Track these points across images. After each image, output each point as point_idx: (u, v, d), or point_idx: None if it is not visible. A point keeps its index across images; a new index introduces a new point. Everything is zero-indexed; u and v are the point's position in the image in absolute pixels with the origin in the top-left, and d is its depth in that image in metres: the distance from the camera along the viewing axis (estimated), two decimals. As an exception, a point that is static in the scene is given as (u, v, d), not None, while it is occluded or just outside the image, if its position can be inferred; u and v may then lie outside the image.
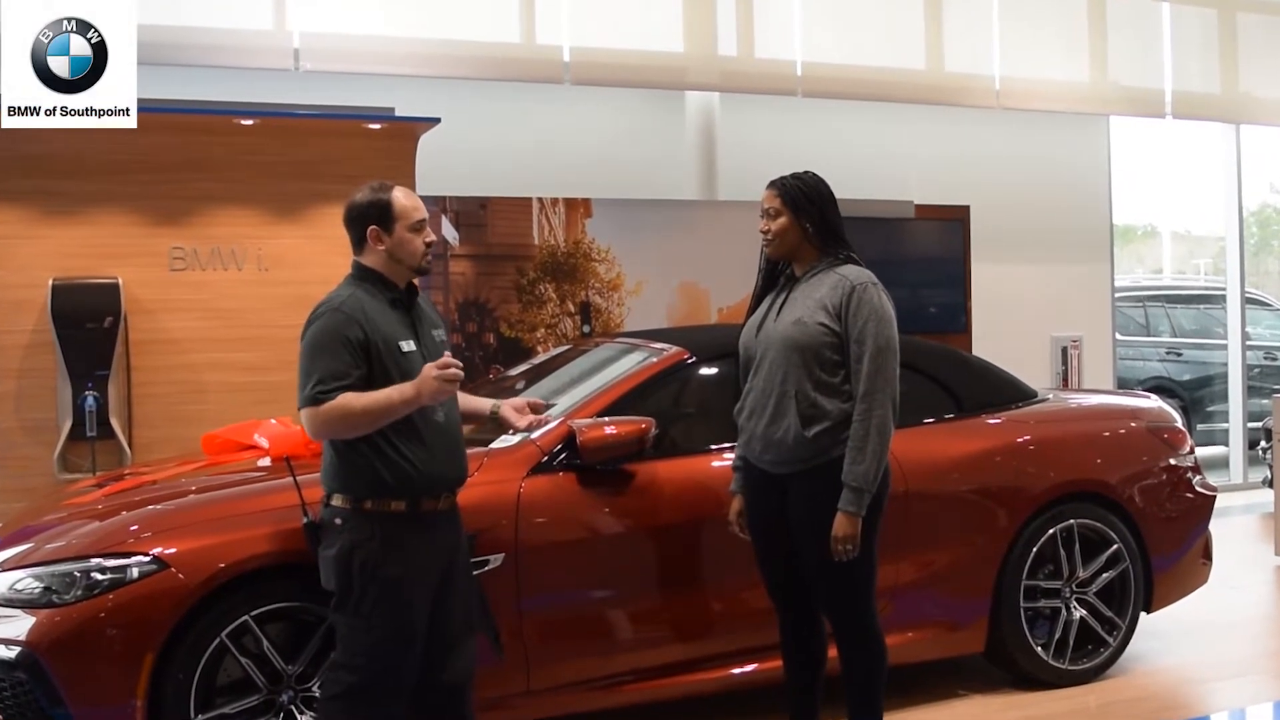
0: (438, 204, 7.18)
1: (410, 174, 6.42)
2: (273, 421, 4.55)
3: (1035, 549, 4.55)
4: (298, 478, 3.44)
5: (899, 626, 4.26)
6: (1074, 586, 4.64)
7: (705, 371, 4.47)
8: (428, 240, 3.34)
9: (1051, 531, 4.58)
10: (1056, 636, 4.60)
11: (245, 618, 3.49)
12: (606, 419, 3.99)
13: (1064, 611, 4.62)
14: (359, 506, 3.22)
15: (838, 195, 3.66)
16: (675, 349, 4.41)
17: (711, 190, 8.33)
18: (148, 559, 3.43)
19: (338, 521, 3.24)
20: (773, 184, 3.63)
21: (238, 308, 6.14)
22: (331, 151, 6.29)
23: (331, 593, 3.27)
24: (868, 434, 3.41)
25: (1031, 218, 9.66)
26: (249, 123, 6.21)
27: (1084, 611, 4.66)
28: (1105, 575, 4.69)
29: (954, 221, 8.81)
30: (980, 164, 9.50)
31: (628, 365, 4.43)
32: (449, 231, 7.24)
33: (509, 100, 8.10)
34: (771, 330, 3.58)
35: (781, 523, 3.61)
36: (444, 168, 7.16)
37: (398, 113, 6.72)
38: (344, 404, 3.14)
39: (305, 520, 3.34)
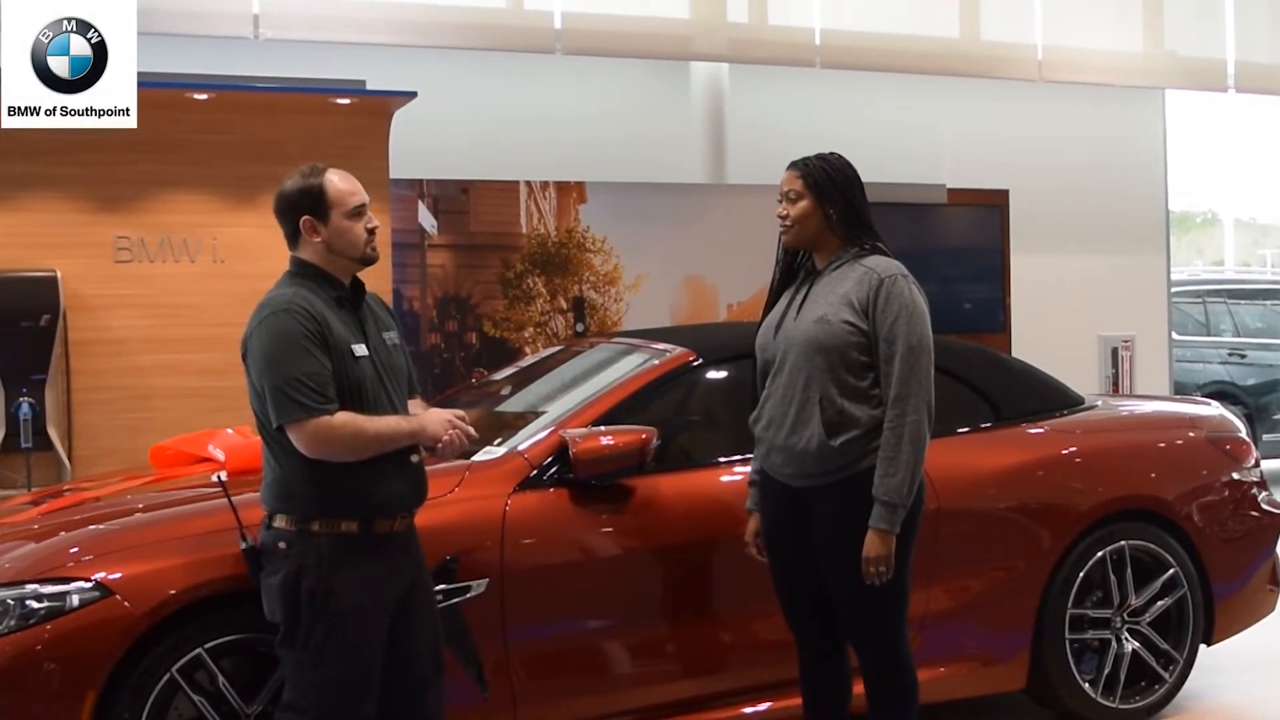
0: (414, 188, 7.19)
1: (383, 154, 6.43)
2: (229, 431, 4.56)
3: (1082, 574, 4.55)
4: (232, 497, 3.42)
5: (930, 660, 4.26)
6: (1125, 616, 4.65)
7: (713, 375, 4.47)
8: (370, 226, 3.33)
9: (1100, 554, 4.58)
10: (1106, 671, 4.60)
11: (199, 650, 3.48)
12: (602, 429, 3.99)
13: (1114, 643, 4.62)
14: (305, 528, 3.21)
15: (861, 179, 3.67)
16: (679, 350, 4.42)
17: (720, 173, 8.35)
18: (89, 585, 3.43)
19: (281, 545, 3.23)
20: (794, 165, 3.64)
21: (190, 304, 6.14)
22: (295, 129, 6.29)
23: (277, 625, 3.26)
24: (900, 442, 3.41)
25: (1078, 204, 9.67)
26: (203, 97, 6.22)
27: (1136, 644, 4.66)
28: (1160, 603, 4.69)
29: (991, 208, 8.82)
30: (1020, 144, 9.50)
31: (626, 368, 4.43)
32: (426, 219, 7.25)
33: (493, 72, 8.11)
34: (792, 330, 3.58)
35: (804, 543, 3.61)
36: (421, 148, 7.17)
37: (369, 86, 6.73)
38: (355, 423, 3.16)
39: (244, 545, 3.33)
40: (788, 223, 3.62)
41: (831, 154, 3.66)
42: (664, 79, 8.57)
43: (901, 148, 8.83)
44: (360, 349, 3.27)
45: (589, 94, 8.40)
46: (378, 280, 6.43)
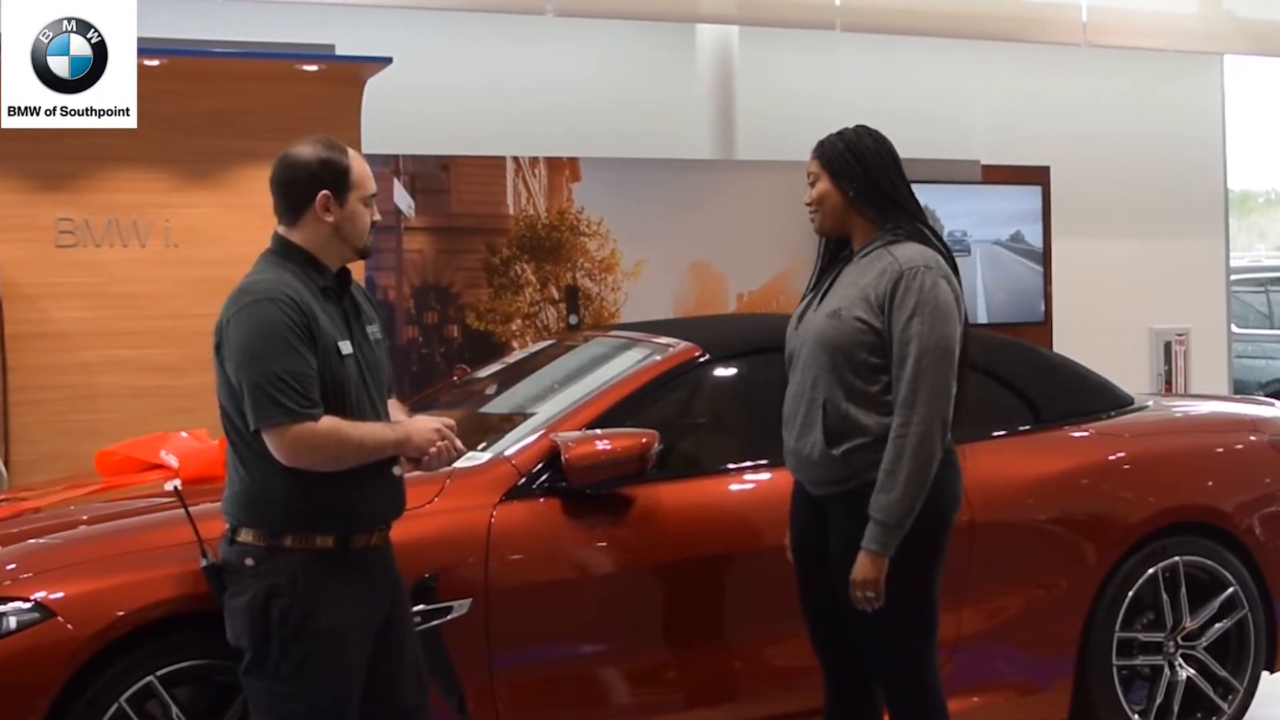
0: (388, 164, 7.19)
1: (355, 127, 6.43)
2: (183, 435, 4.55)
3: (1131, 593, 4.55)
4: (190, 508, 3.42)
5: (962, 688, 4.26)
6: (1179, 639, 4.65)
7: (722, 373, 4.47)
8: (375, 218, 3.37)
9: (1151, 571, 4.58)
10: (1158, 701, 4.61)
11: (150, 678, 3.48)
12: (598, 432, 3.99)
13: (1167, 670, 4.62)
14: (276, 543, 3.20)
15: (892, 152, 3.66)
16: (684, 345, 4.42)
17: (729, 148, 8.35)
18: (29, 605, 3.43)
19: (248, 562, 3.21)
20: (815, 146, 3.67)
21: (141, 293, 6.14)
22: (257, 99, 6.29)
23: (241, 651, 3.25)
24: (901, 456, 3.39)
25: (1126, 182, 9.67)
26: (154, 63, 6.21)
27: (1192, 670, 4.66)
28: (1218, 626, 4.70)
29: (1031, 186, 8.82)
30: (1063, 115, 9.50)
31: (625, 365, 4.43)
32: (402, 199, 7.25)
33: (477, 36, 8.11)
34: (809, 322, 3.60)
35: (824, 554, 3.62)
36: (397, 120, 7.17)
37: (339, 51, 6.72)
38: (340, 430, 3.15)
39: (205, 562, 3.31)
40: (811, 208, 3.65)
41: (853, 127, 3.65)
42: (667, 43, 8.57)
43: (931, 120, 8.83)
44: (346, 346, 3.26)
45: (583, 60, 8.40)
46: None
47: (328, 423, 3.15)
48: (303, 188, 3.26)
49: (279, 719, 3.23)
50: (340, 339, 3.26)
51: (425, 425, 3.32)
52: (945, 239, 3.69)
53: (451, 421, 3.40)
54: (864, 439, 3.47)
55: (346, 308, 3.35)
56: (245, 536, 3.23)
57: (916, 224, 3.59)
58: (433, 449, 3.30)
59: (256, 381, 3.12)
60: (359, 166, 3.32)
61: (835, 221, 3.62)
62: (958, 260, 3.66)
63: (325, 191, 3.25)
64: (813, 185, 3.62)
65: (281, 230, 3.32)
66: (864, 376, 3.48)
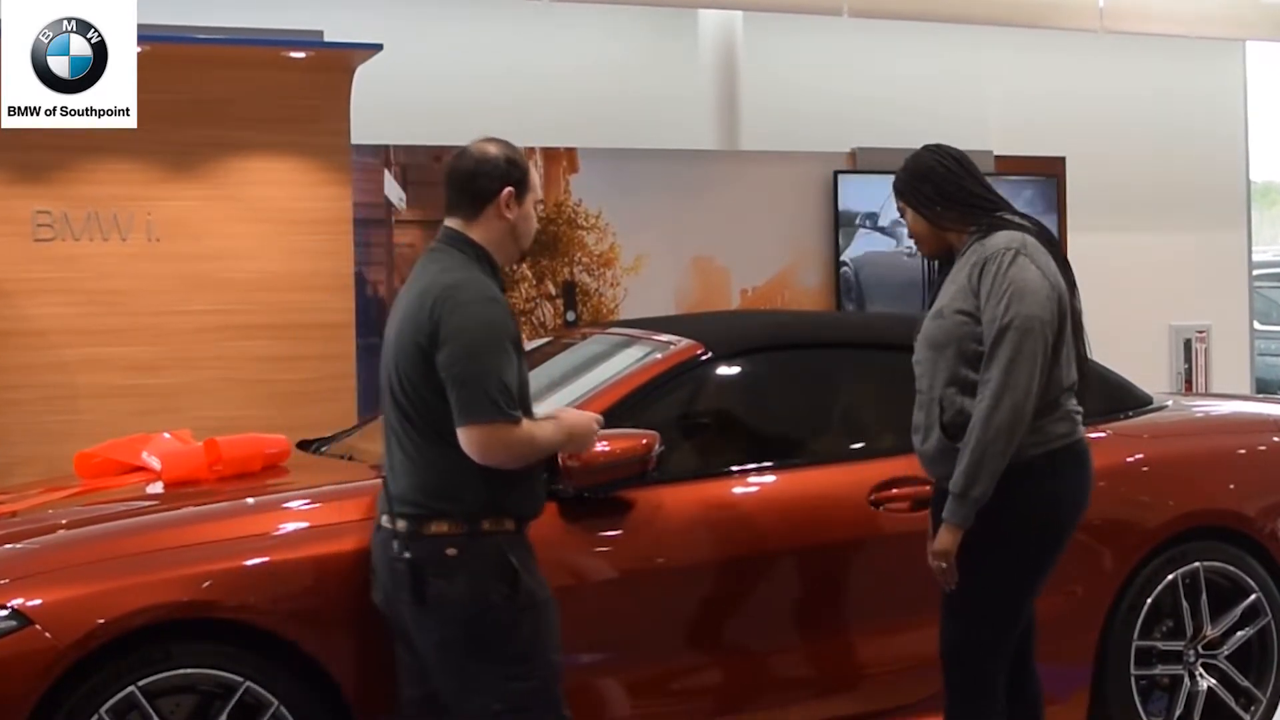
0: (379, 155, 7.19)
1: (344, 116, 6.43)
2: (166, 436, 4.56)
3: (1150, 600, 4.56)
4: (180, 509, 3.41)
5: (975, 700, 4.26)
6: (1200, 648, 4.65)
7: (725, 371, 4.47)
8: (534, 225, 3.60)
9: (1171, 578, 4.59)
10: (1178, 712, 4.61)
11: (131, 689, 3.48)
12: (597, 433, 4.00)
13: (1187, 680, 4.63)
14: (475, 528, 3.34)
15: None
16: (686, 343, 4.42)
17: (732, 138, 8.34)
18: (5, 613, 3.43)
19: (450, 552, 3.33)
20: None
21: (122, 289, 6.14)
22: (242, 87, 6.29)
23: (444, 644, 3.36)
24: (974, 429, 3.55)
25: (1145, 173, 9.67)
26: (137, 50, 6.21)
27: (1213, 680, 4.66)
28: (1240, 634, 4.70)
29: (1045, 178, 8.82)
30: (1079, 105, 9.50)
31: (624, 363, 4.43)
32: (393, 190, 7.25)
33: (470, 21, 8.11)
34: (923, 331, 3.81)
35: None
36: (386, 109, 7.16)
37: (327, 37, 6.73)
38: (531, 432, 3.36)
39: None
40: (915, 243, 3.92)
41: (914, 151, 3.87)
42: (668, 29, 8.57)
43: (942, 110, 8.81)
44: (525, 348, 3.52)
45: (581, 47, 8.40)
46: (337, 260, 6.45)
47: (525, 426, 3.33)
48: (490, 181, 3.43)
49: (517, 704, 3.34)
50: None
51: (588, 423, 3.59)
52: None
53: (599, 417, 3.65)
54: None
55: None
56: (439, 528, 3.35)
57: (996, 215, 3.77)
58: (587, 445, 3.61)
59: (477, 378, 3.26)
60: (534, 172, 3.54)
61: (934, 245, 3.86)
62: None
63: (510, 188, 3.43)
64: (903, 218, 3.91)
65: (458, 225, 3.46)
66: (974, 366, 3.65)
